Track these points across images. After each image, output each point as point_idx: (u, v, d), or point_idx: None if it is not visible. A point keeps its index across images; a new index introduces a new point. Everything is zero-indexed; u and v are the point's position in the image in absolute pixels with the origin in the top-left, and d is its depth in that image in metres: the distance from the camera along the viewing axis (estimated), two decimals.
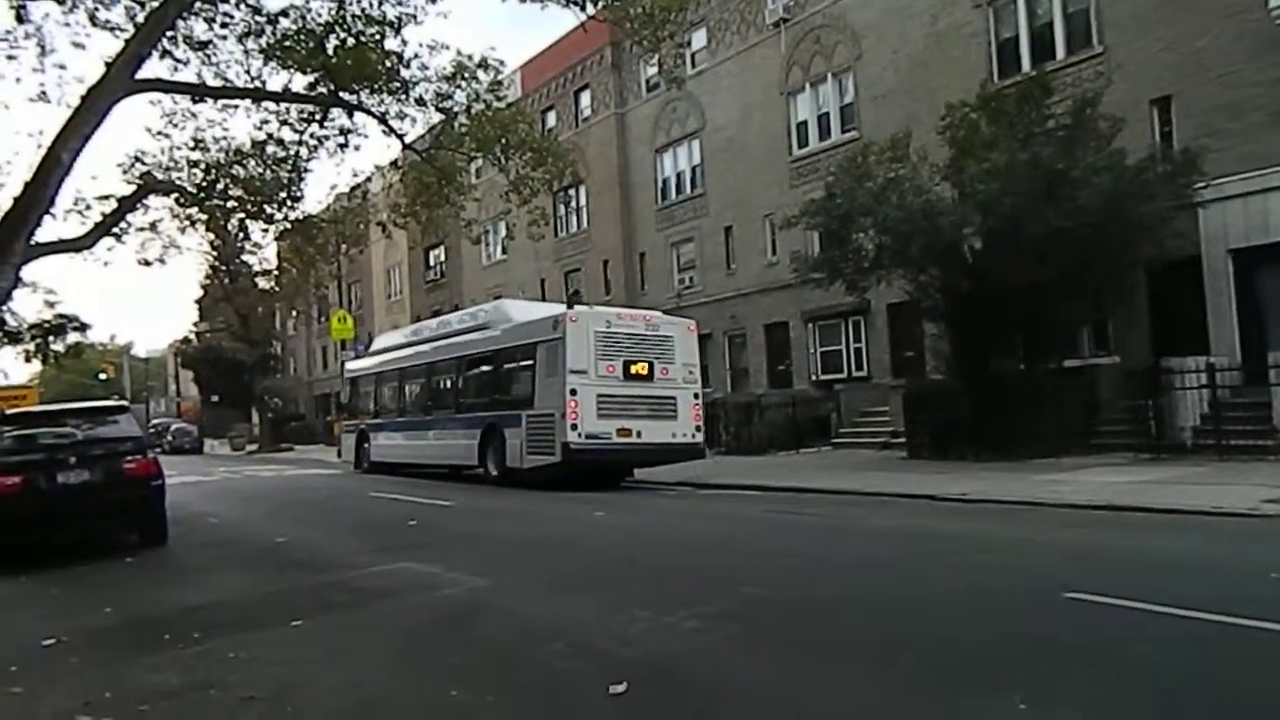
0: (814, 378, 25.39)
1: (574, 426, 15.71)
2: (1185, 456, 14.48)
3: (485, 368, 19.13)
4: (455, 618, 6.59)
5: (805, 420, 22.96)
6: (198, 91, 17.04)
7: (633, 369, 16.53)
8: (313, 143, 18.27)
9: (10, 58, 15.92)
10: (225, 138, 18.48)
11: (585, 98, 34.56)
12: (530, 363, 17.18)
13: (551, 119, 35.06)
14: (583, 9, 16.34)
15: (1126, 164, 15.19)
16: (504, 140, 18.19)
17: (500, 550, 9.88)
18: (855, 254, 17.50)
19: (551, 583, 7.84)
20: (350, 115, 18.06)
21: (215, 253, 26.27)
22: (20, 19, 15.48)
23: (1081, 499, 11.11)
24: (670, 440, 16.69)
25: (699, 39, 28.48)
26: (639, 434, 16.32)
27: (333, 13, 16.77)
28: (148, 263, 18.74)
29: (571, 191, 32.15)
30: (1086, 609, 5.83)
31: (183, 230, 19.02)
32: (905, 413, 18.81)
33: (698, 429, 17.27)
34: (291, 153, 18.33)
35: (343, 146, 18.49)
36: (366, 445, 23.49)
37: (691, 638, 5.65)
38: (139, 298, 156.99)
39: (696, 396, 17.35)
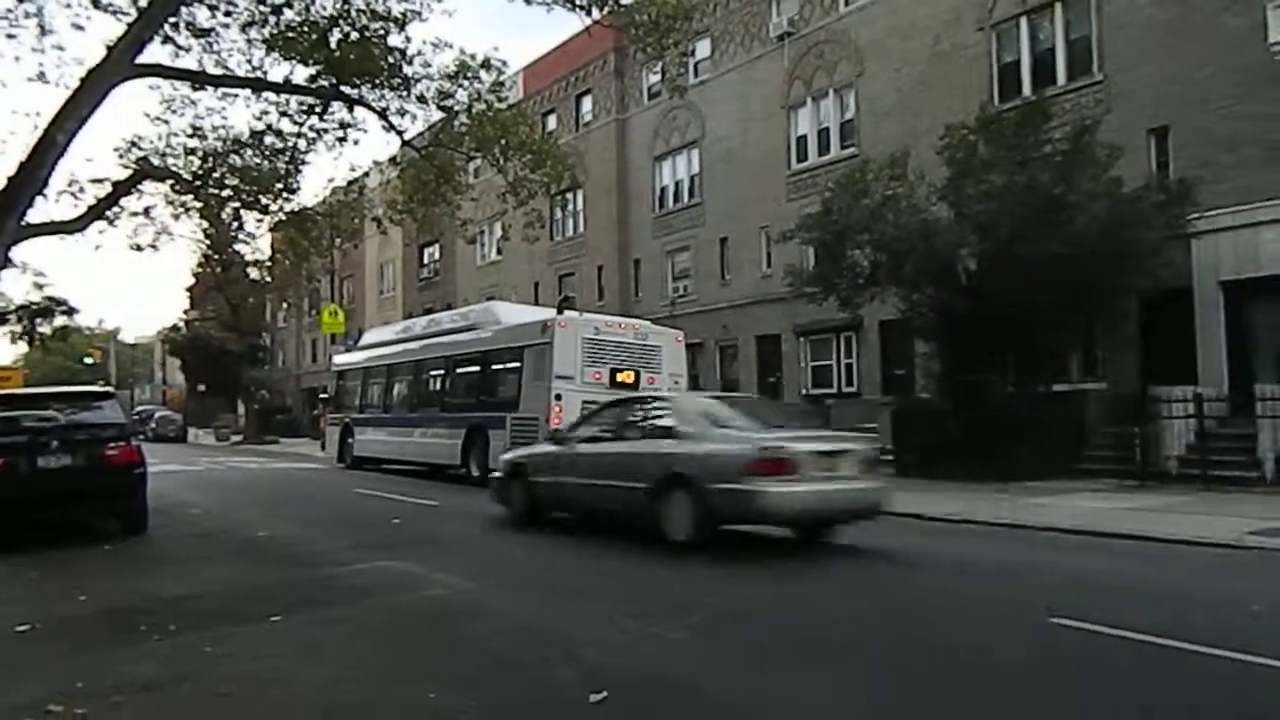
0: (804, 392, 25.41)
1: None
2: (1170, 485, 14.53)
3: (472, 368, 19.08)
4: (438, 618, 6.55)
5: None
6: (198, 79, 16.97)
7: (619, 377, 16.52)
8: (311, 135, 18.22)
9: (10, 36, 15.80)
10: (224, 126, 18.45)
11: (587, 102, 34.60)
12: (517, 366, 17.15)
13: (552, 122, 35.07)
14: (588, 13, 16.36)
15: (1123, 192, 15.30)
16: (504, 141, 18.15)
17: (485, 553, 9.83)
18: (850, 270, 17.53)
19: (538, 588, 7.81)
20: (350, 109, 18.02)
21: (208, 241, 26.07)
22: None
23: (1066, 523, 11.13)
24: None
25: (703, 49, 28.52)
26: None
27: (337, 6, 16.73)
28: (139, 248, 18.62)
29: (569, 195, 32.10)
30: (1070, 634, 5.83)
31: (176, 217, 18.91)
32: (894, 430, 18.82)
33: None
34: (290, 144, 18.27)
35: (341, 140, 18.44)
36: (350, 440, 23.37)
37: (675, 646, 5.63)
38: (129, 283, 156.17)
39: None
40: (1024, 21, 20.41)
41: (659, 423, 10.05)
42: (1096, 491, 14.21)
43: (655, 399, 11.54)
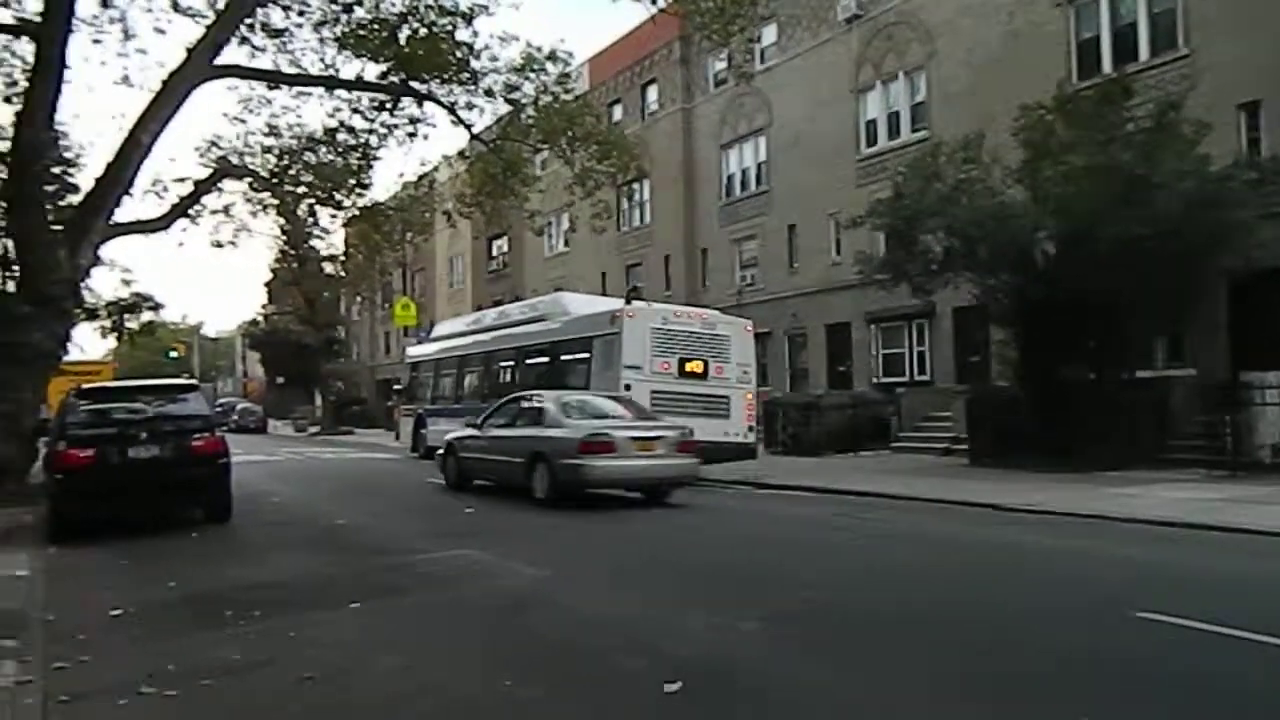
0: (875, 380, 25.04)
1: None
2: (1263, 475, 13.92)
3: (542, 359, 19.21)
4: (512, 607, 6.61)
5: (865, 423, 22.65)
6: (273, 78, 17.38)
7: (687, 366, 16.49)
8: (383, 131, 18.53)
9: (96, 41, 16.40)
10: (298, 124, 18.94)
11: (652, 92, 34.51)
12: (586, 356, 17.21)
13: (618, 112, 35.07)
14: (653, 1, 16.31)
15: (1211, 170, 14.65)
16: (570, 132, 18.24)
17: (557, 541, 9.89)
18: (922, 256, 17.16)
19: (609, 577, 7.84)
20: (420, 105, 18.27)
21: (285, 237, 26.73)
22: (106, 4, 15.93)
23: (1152, 514, 10.74)
24: (723, 438, 16.60)
25: (769, 34, 28.16)
26: (691, 431, 16.26)
27: (407, 3, 16.98)
28: (220, 245, 19.22)
29: (635, 185, 32.15)
30: (1157, 629, 5.63)
31: (254, 214, 19.45)
32: (968, 418, 18.43)
33: (750, 428, 17.19)
34: (362, 140, 18.62)
35: (411, 135, 18.72)
36: (424, 431, 23.75)
37: (749, 639, 5.59)
38: (210, 278, 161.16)
39: (750, 396, 17.24)
40: None
41: (535, 414, 13.27)
42: (1184, 482, 13.70)
43: (535, 396, 14.12)
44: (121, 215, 15.21)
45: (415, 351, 27.17)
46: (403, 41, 16.95)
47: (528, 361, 19.84)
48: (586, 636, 5.76)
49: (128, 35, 16.50)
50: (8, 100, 15.77)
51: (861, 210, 19.21)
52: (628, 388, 15.78)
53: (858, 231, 20.12)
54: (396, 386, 31.89)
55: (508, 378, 20.63)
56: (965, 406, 18.71)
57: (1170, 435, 16.23)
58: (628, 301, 18.13)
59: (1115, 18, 19.54)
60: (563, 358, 18.34)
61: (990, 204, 15.78)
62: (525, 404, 13.96)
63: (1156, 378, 17.26)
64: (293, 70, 17.47)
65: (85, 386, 12.09)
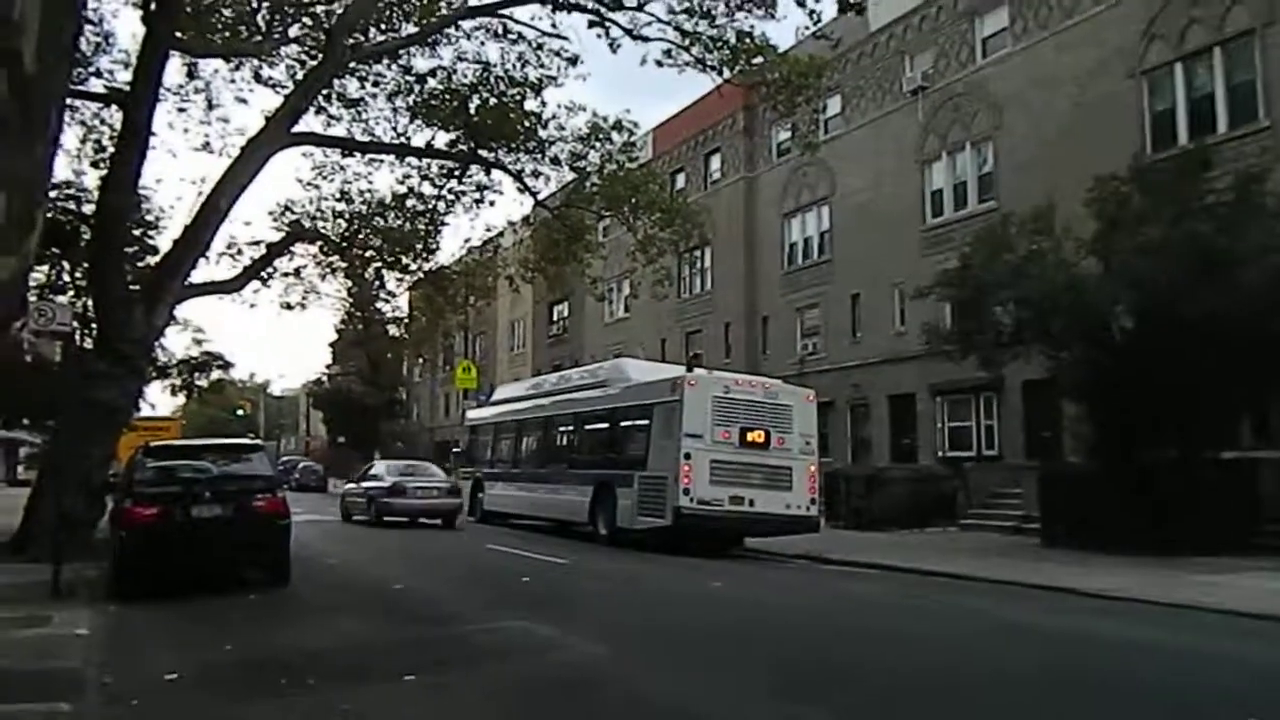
0: (940, 454, 24.39)
1: (686, 491, 15.42)
2: None
3: (601, 425, 19.08)
4: (569, 685, 6.37)
5: (929, 498, 22.01)
6: (348, 145, 17.89)
7: (749, 436, 16.17)
8: (450, 197, 18.93)
9: (181, 110, 17.08)
10: (369, 190, 19.33)
11: (715, 160, 34.80)
12: (646, 423, 17.02)
13: (681, 180, 35.39)
14: (719, 73, 16.49)
15: None
16: (634, 200, 18.40)
17: (617, 615, 9.62)
18: (992, 327, 16.77)
19: (671, 656, 7.52)
20: (487, 172, 18.64)
21: (351, 299, 27.28)
22: (192, 75, 16.61)
23: (1245, 606, 10.08)
24: (784, 511, 16.20)
25: (833, 105, 28.26)
26: (752, 502, 15.90)
27: (477, 74, 17.43)
28: (289, 306, 19.62)
29: (697, 253, 32.25)
30: None
31: (323, 277, 19.84)
32: (1041, 497, 17.76)
33: (813, 501, 16.73)
34: (430, 206, 19.00)
35: (478, 202, 19.10)
36: (481, 495, 23.66)
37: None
38: (278, 339, 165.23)
39: (813, 468, 16.84)
40: (1179, 67, 19.40)
41: (372, 473, 23.41)
42: (1274, 571, 12.93)
43: (373, 465, 24.26)
44: (197, 276, 15.64)
45: (475, 415, 27.27)
46: (472, 111, 17.36)
47: (586, 427, 19.72)
48: (646, 714, 5.50)
49: (211, 104, 17.19)
50: (95, 165, 16.44)
51: (926, 281, 18.91)
52: (688, 456, 15.54)
53: (923, 302, 19.78)
54: (455, 449, 31.99)
55: (566, 442, 20.52)
56: (1037, 484, 18.03)
57: (1258, 520, 15.43)
58: (689, 369, 17.96)
59: (1191, 89, 19.20)
60: (622, 424, 18.19)
61: (1062, 276, 15.40)
62: (370, 469, 24.43)
63: (1242, 459, 16.47)
64: (366, 138, 17.97)
65: (153, 444, 12.26)
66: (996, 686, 6.56)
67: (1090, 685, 6.66)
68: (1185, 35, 19.16)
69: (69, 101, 15.99)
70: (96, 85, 16.03)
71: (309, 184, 18.95)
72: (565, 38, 17.48)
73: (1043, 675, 7.02)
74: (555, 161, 18.42)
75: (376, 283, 22.58)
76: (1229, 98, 18.42)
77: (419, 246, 19.24)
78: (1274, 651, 8.12)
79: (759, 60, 16.29)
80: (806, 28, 15.82)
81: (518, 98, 17.57)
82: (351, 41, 15.91)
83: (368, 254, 19.47)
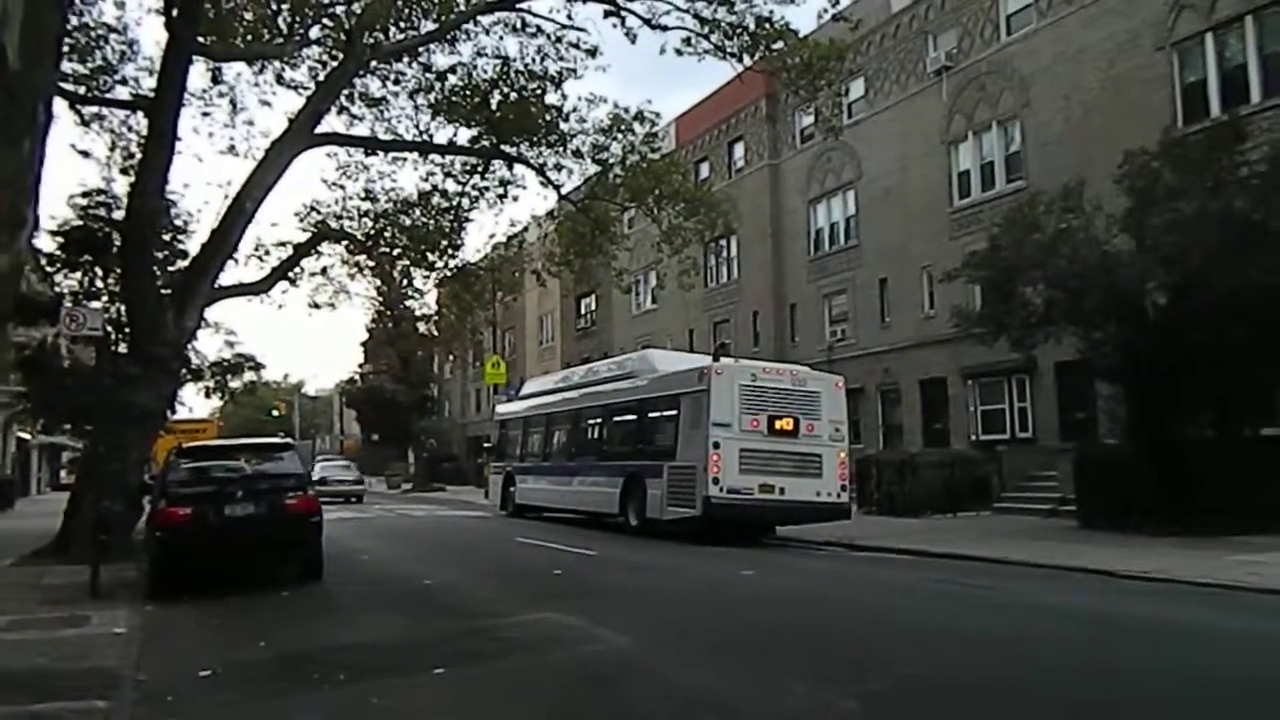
0: (973, 438, 24.15)
1: (715, 480, 15.38)
2: None
3: (629, 417, 19.06)
4: (599, 677, 6.36)
5: (963, 482, 21.78)
6: (371, 144, 17.98)
7: (777, 424, 16.08)
8: (474, 193, 18.96)
9: (205, 114, 17.27)
10: (394, 189, 19.43)
11: (739, 149, 34.63)
12: (674, 414, 16.98)
13: (705, 170, 35.24)
14: (740, 60, 16.38)
15: None
16: (658, 191, 18.33)
17: (646, 606, 9.60)
18: (1022, 309, 16.53)
19: (700, 646, 7.49)
20: (510, 167, 18.66)
21: (380, 298, 27.48)
22: (215, 80, 16.76)
23: None
24: (814, 499, 16.12)
25: (856, 88, 28.02)
26: (782, 491, 15.82)
27: (497, 69, 17.43)
28: (318, 306, 19.83)
29: (722, 242, 32.12)
30: None
31: (351, 276, 20.02)
32: (1076, 478, 17.51)
33: (843, 488, 16.62)
34: (454, 203, 19.06)
35: (502, 197, 19.11)
36: (512, 489, 23.78)
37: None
38: (312, 339, 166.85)
39: (843, 455, 16.72)
40: (1209, 38, 18.99)
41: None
42: None
43: (314, 464, 29.12)
44: (225, 279, 15.82)
45: (504, 409, 27.38)
46: (494, 106, 17.38)
47: (615, 419, 19.72)
48: (676, 704, 5.48)
49: (236, 108, 17.35)
50: (124, 172, 16.66)
51: (955, 263, 18.70)
52: (716, 446, 15.49)
53: (952, 285, 19.58)
54: (486, 444, 32.15)
55: (595, 435, 20.53)
56: (1073, 466, 17.79)
57: None
58: (715, 358, 17.88)
59: (1223, 61, 18.80)
60: (650, 415, 18.16)
61: (1094, 254, 15.15)
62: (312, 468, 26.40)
63: None
64: (388, 137, 18.06)
65: (186, 445, 12.43)
66: (1027, 660, 6.47)
67: (1126, 664, 6.54)
68: (1215, 4, 18.74)
69: (98, 111, 16.29)
70: (122, 93, 16.25)
71: (334, 184, 19.11)
72: (583, 29, 17.46)
73: (1076, 650, 6.91)
74: (577, 154, 18.39)
75: (404, 281, 22.77)
76: (1262, 67, 18.01)
77: (444, 243, 19.31)
78: None
79: (779, 45, 16.14)
80: (826, 10, 15.64)
81: (538, 91, 17.56)
82: (371, 40, 15.99)
83: (394, 252, 19.58)
